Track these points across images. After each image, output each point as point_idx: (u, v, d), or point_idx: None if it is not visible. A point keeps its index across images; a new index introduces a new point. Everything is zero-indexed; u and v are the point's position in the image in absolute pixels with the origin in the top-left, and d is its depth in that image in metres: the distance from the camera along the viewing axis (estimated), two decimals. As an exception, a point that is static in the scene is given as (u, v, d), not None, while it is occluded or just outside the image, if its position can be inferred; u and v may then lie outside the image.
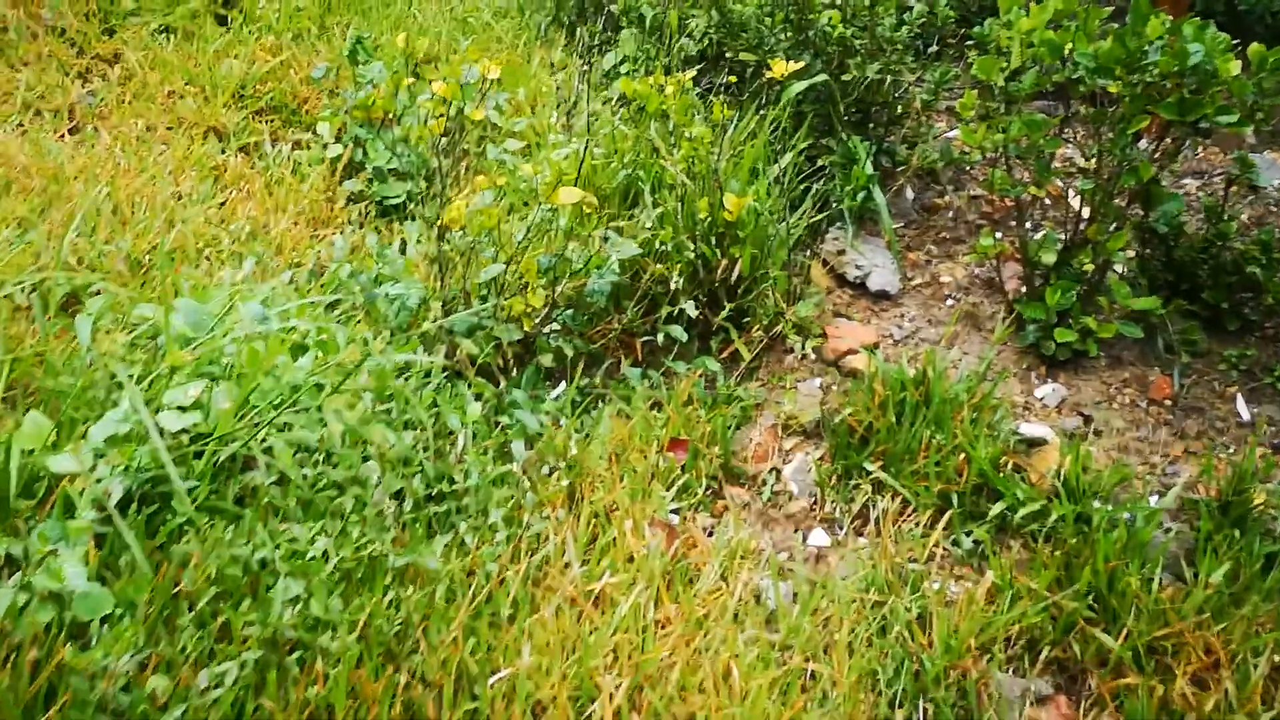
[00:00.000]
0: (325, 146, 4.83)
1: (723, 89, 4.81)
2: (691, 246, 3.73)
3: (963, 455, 3.19)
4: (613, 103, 5.11)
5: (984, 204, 4.49)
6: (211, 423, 2.69)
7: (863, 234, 4.27)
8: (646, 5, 5.27)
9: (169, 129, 4.67)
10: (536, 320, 3.62)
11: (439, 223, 3.68)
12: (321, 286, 3.70)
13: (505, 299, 3.56)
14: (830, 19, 4.01)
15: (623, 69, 5.49)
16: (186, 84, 4.96)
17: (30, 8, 5.14)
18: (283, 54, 5.41)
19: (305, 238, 4.26)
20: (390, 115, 5.02)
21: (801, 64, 3.63)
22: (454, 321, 3.44)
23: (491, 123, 5.08)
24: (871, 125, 4.38)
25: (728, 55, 4.62)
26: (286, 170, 4.64)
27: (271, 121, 4.99)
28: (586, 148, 4.08)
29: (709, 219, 3.74)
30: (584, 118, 4.54)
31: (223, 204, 4.29)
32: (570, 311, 3.76)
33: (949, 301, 4.07)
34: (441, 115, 3.75)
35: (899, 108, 4.41)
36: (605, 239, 3.63)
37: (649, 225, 3.84)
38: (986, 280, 4.13)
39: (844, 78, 4.12)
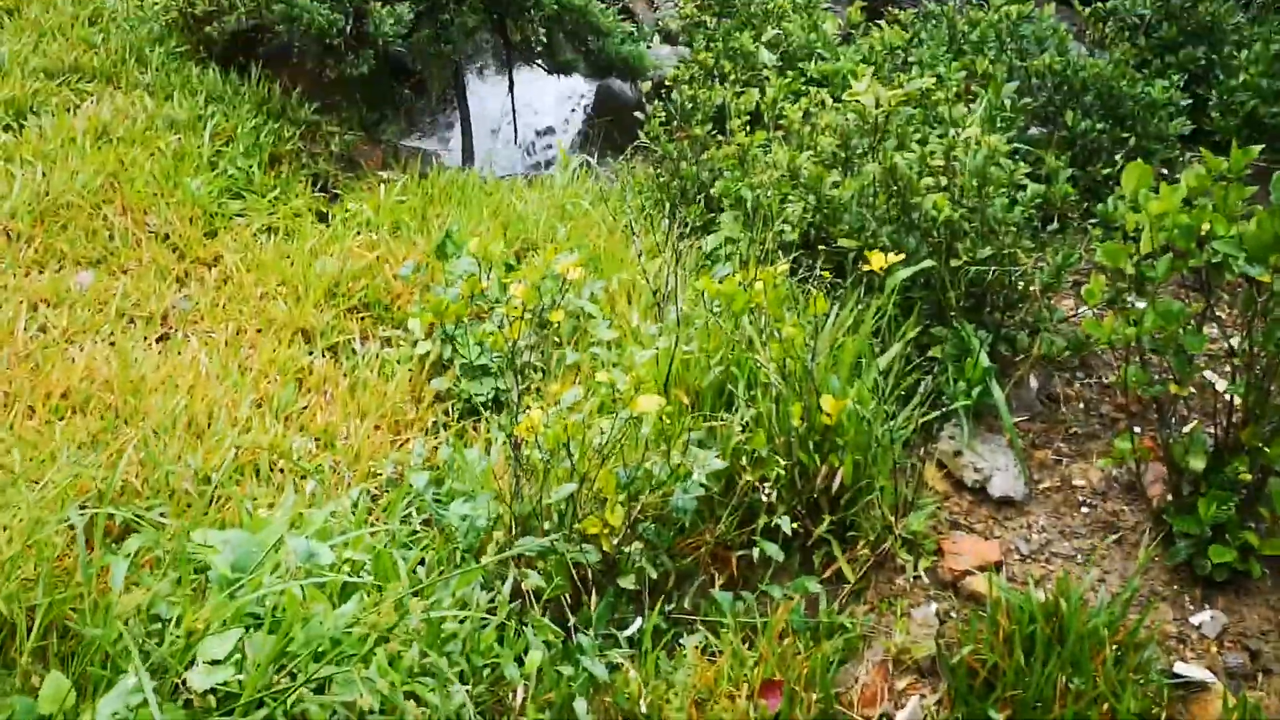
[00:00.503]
0: (415, 344, 4.73)
1: (822, 276, 4.58)
2: (785, 455, 3.42)
3: (1106, 705, 2.74)
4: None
5: (1119, 393, 4.07)
6: (246, 677, 2.46)
7: (981, 431, 3.90)
8: (746, 188, 5.11)
9: (259, 331, 4.64)
10: (616, 539, 3.33)
11: (511, 434, 3.47)
12: (385, 507, 3.49)
13: (580, 518, 3.29)
14: (935, 202, 3.75)
15: (722, 252, 5.32)
16: (280, 284, 4.97)
17: (136, 215, 5.28)
18: (379, 249, 5.41)
19: (386, 443, 4.11)
20: (483, 308, 4.94)
21: (902, 254, 3.35)
22: (523, 546, 3.18)
23: (586, 313, 4.94)
24: (987, 311, 4.05)
25: (826, 241, 4.38)
26: (373, 370, 4.54)
27: (363, 319, 4.94)
28: (675, 345, 3.86)
29: (805, 424, 3.44)
30: (676, 309, 4.33)
31: (305, 408, 4.19)
32: (654, 525, 3.47)
33: (1084, 509, 3.63)
34: (518, 318, 3.58)
35: (1017, 291, 4.07)
36: (690, 448, 3.35)
37: (741, 429, 3.56)
38: (1126, 485, 3.69)
39: (953, 263, 3.82)
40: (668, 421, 3.86)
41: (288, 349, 4.50)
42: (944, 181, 3.83)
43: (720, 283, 3.40)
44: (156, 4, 7.63)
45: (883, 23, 8.10)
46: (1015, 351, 4.09)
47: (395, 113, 8.10)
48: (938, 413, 3.81)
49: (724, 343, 3.96)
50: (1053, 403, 4.14)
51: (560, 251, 5.48)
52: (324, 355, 4.62)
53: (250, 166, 6.28)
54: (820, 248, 4.44)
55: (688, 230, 5.95)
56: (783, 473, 3.42)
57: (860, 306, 3.99)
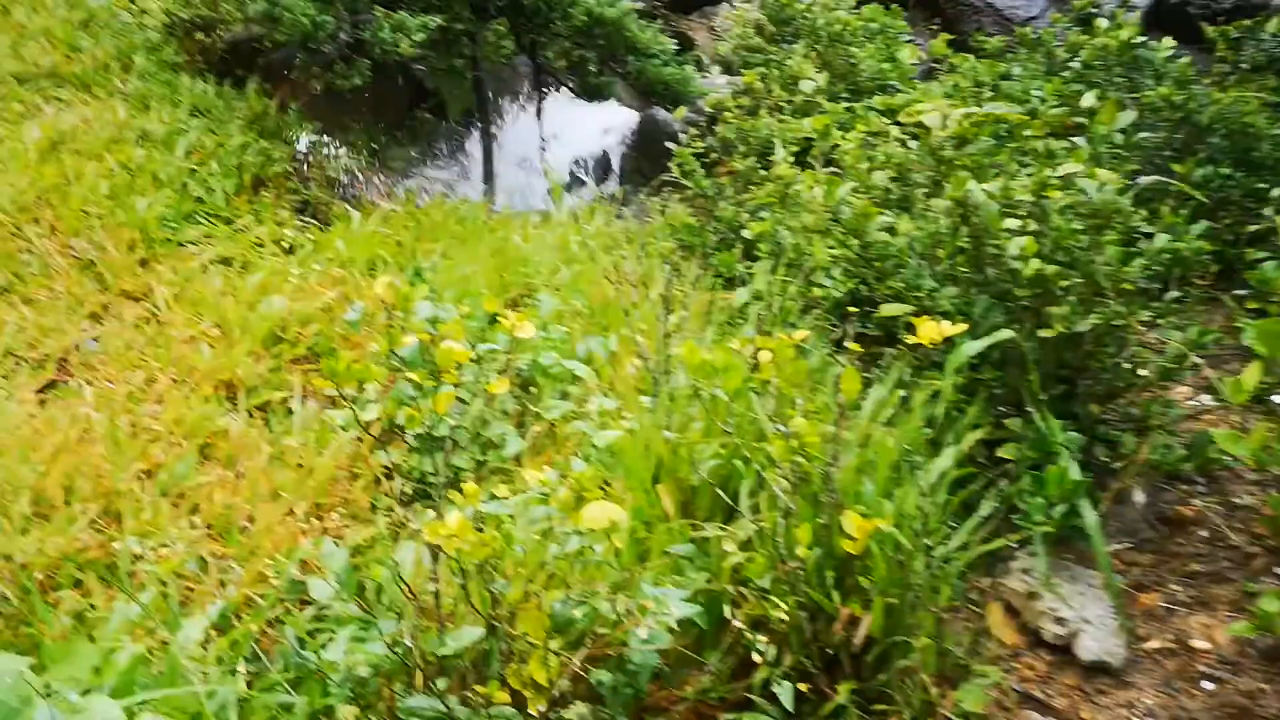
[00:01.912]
0: (365, 405, 3.94)
1: (853, 347, 3.72)
2: (791, 589, 2.55)
3: None
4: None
5: (1255, 519, 3.12)
6: None
7: (1067, 565, 2.98)
8: (784, 230, 4.27)
9: (174, 382, 3.89)
10: (547, 700, 2.47)
11: (427, 541, 2.65)
12: (241, 636, 2.67)
13: (499, 670, 2.44)
14: (1022, 249, 2.85)
15: (751, 310, 4.47)
16: (214, 325, 4.22)
17: (64, 238, 4.60)
18: (343, 286, 4.66)
19: (296, 535, 3.30)
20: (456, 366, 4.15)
21: (964, 324, 2.45)
22: (410, 709, 2.34)
23: (583, 379, 4.12)
24: (1080, 400, 3.14)
25: (873, 299, 3.52)
26: (307, 438, 3.76)
27: (308, 371, 4.17)
28: (660, 425, 3.02)
29: (822, 550, 2.57)
30: (670, 377, 3.49)
31: (204, 484, 3.41)
32: (611, 677, 2.60)
33: (1207, 685, 2.69)
34: (450, 380, 2.77)
35: (1123, 375, 3.16)
36: (652, 583, 2.49)
37: (738, 546, 2.70)
38: (1269, 652, 2.74)
39: (1041, 334, 2.91)
40: (644, 533, 3.02)
41: (202, 406, 3.74)
42: (1031, 225, 2.94)
43: (710, 352, 2.55)
44: (153, 10, 7.07)
45: (970, 57, 7.26)
46: (1116, 457, 3.16)
47: (411, 138, 7.43)
48: (1008, 541, 2.89)
49: (734, 424, 3.11)
50: (1166, 526, 3.20)
51: (562, 299, 4.68)
52: (250, 415, 3.85)
53: (226, 188, 5.60)
54: (867, 308, 3.57)
55: (719, 281, 5.12)
56: (785, 616, 2.54)
57: (908, 387, 3.11)
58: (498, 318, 4.45)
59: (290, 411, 3.94)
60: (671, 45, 6.55)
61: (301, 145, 6.47)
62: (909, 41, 7.46)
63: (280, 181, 6.10)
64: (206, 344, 4.09)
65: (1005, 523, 3.00)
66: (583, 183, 7.71)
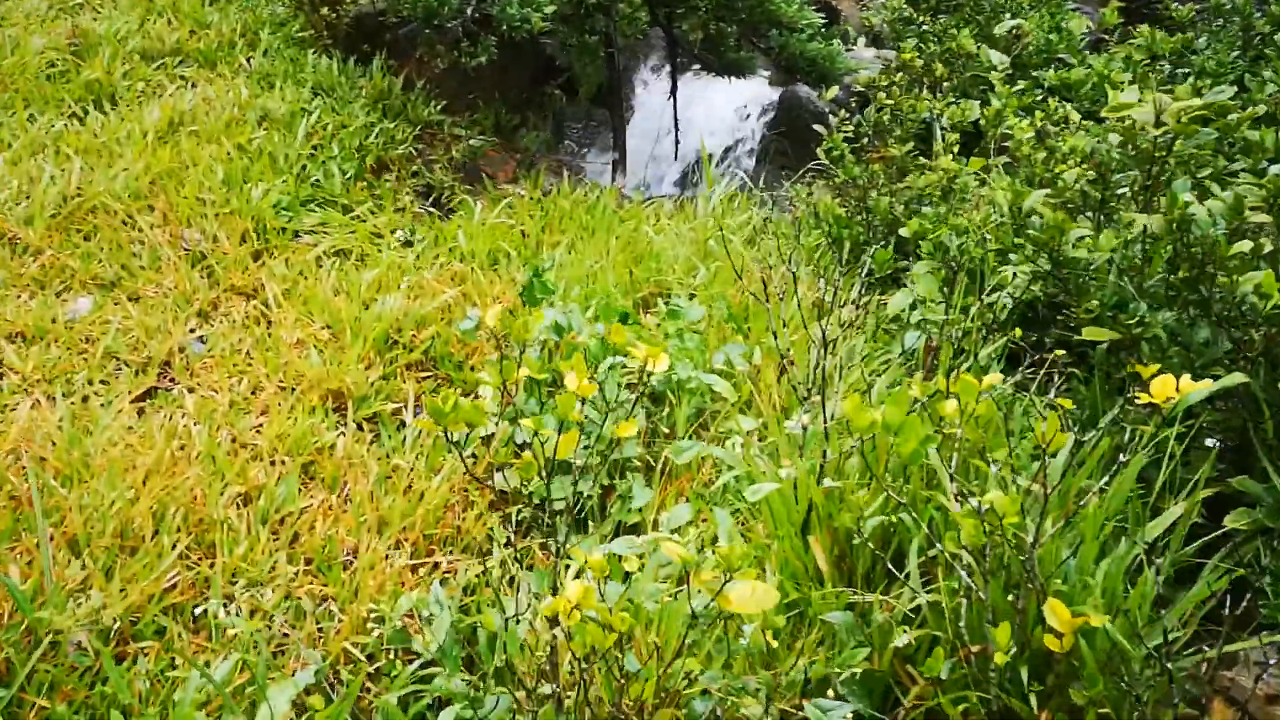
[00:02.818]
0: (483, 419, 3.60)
1: (1056, 374, 3.22)
2: (978, 686, 2.11)
3: None
4: (888, 372, 3.61)
5: None
6: None
7: (1312, 659, 2.45)
8: (949, 232, 3.77)
9: (281, 389, 3.62)
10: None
11: (545, 608, 2.29)
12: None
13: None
14: (1259, 284, 2.33)
15: (910, 318, 3.98)
16: (324, 327, 3.94)
17: (176, 227, 4.37)
18: (464, 284, 4.33)
19: (404, 572, 2.99)
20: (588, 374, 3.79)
21: (1206, 383, 1.95)
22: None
23: (721, 395, 3.71)
24: (1324, 454, 2.60)
25: (1063, 319, 3.01)
26: (419, 455, 3.44)
27: (424, 379, 3.86)
28: (814, 475, 2.60)
29: (1017, 641, 2.12)
30: (829, 407, 3.05)
31: (305, 511, 3.12)
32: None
33: None
34: (571, 426, 2.39)
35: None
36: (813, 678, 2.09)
37: (910, 616, 2.27)
38: None
39: (1281, 385, 2.39)
40: (792, 590, 2.61)
41: (308, 419, 3.45)
42: (1266, 246, 2.41)
43: (882, 403, 2.10)
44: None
45: (1145, 27, 6.58)
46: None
47: (540, 117, 7.07)
48: (1257, 643, 2.39)
49: (888, 482, 2.67)
50: None
51: (695, 301, 4.28)
52: (359, 428, 3.55)
53: (346, 172, 5.34)
54: (1055, 330, 3.07)
55: (872, 281, 4.64)
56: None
57: (1114, 434, 2.61)
58: (629, 317, 4.11)
59: (402, 424, 3.63)
60: (818, 19, 6.05)
61: (427, 124, 6.19)
62: (1074, 10, 6.81)
63: (403, 164, 5.83)
64: (316, 348, 3.80)
65: (1240, 613, 2.49)
66: (718, 165, 7.25)
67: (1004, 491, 2.33)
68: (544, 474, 2.36)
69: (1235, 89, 4.64)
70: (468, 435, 2.87)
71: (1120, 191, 2.90)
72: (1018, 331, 2.84)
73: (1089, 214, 2.93)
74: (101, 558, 2.72)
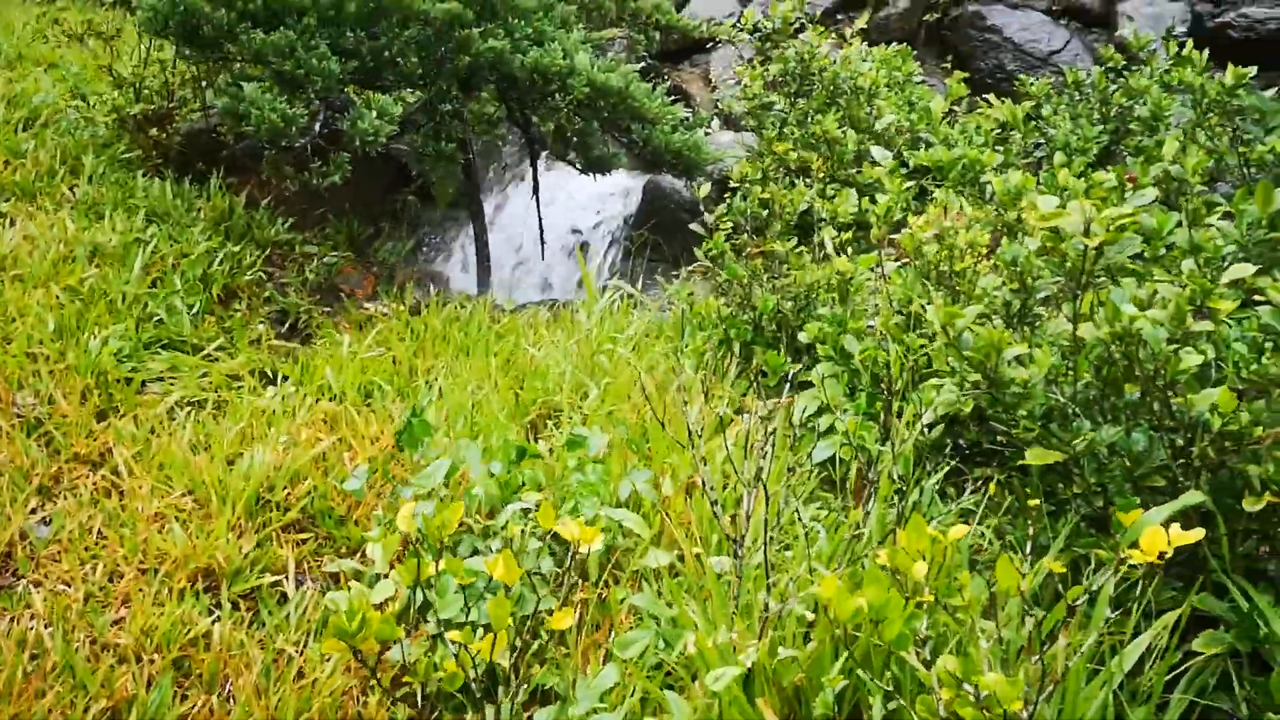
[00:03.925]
0: (375, 581, 3.33)
1: (972, 463, 3.14)
2: None
3: None
4: (815, 494, 3.48)
5: None
6: None
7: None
8: (850, 338, 3.70)
9: (142, 573, 3.28)
10: None
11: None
12: None
13: None
14: (1216, 404, 2.27)
15: (822, 422, 3.88)
16: (186, 494, 3.61)
17: (3, 390, 3.98)
18: (339, 429, 4.06)
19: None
20: (473, 521, 3.56)
21: (1184, 536, 1.86)
22: None
23: (632, 531, 3.51)
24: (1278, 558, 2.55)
25: (989, 430, 2.94)
26: (304, 634, 3.15)
27: (303, 543, 3.56)
28: (761, 650, 2.43)
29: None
30: (761, 548, 2.89)
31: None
32: None
33: None
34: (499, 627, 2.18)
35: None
36: None
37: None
38: None
39: (1247, 505, 2.32)
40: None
41: (176, 606, 3.12)
42: (1208, 353, 2.38)
43: (829, 574, 1.95)
44: (103, 103, 6.50)
45: (991, 97, 6.76)
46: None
47: (396, 226, 6.86)
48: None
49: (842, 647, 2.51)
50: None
51: (590, 424, 4.09)
52: (235, 608, 3.23)
53: (192, 306, 5.02)
54: (981, 440, 2.99)
55: (765, 382, 4.54)
56: None
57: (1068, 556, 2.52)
58: (526, 453, 3.89)
59: (283, 598, 3.32)
60: (681, 112, 6.01)
61: (276, 244, 5.90)
62: (921, 83, 6.97)
63: (253, 290, 5.53)
64: (178, 519, 3.47)
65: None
66: (584, 260, 7.13)
67: (973, 642, 2.21)
68: (472, 682, 2.12)
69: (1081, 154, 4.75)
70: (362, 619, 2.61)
71: (1040, 297, 2.86)
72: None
73: (1015, 327, 2.87)
74: (-56, 818, 2.36)
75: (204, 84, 6.47)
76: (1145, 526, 2.06)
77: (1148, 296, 2.44)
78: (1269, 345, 2.35)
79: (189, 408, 4.21)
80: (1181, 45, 4.78)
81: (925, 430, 2.92)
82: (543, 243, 6.71)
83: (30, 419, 3.90)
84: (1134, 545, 1.86)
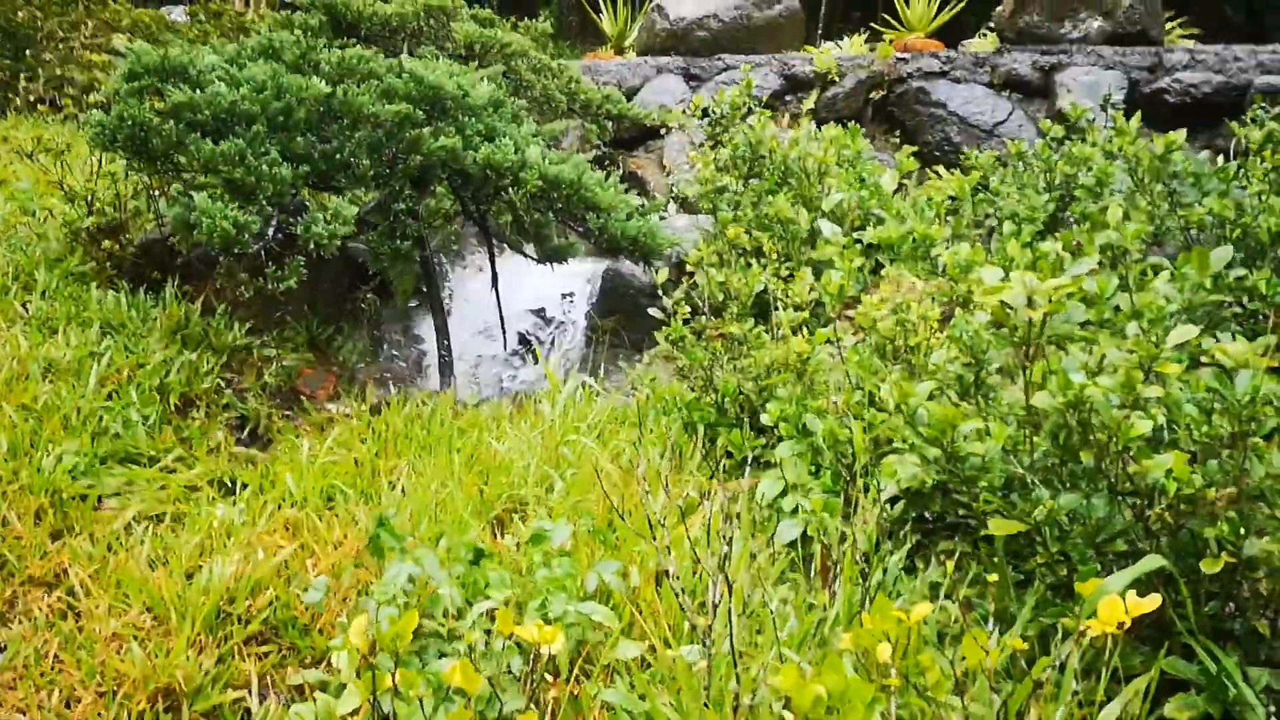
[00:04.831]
0: (340, 691, 3.27)
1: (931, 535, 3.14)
2: None
3: None
4: (784, 575, 3.47)
5: None
6: None
7: None
8: (811, 416, 3.72)
9: (100, 696, 3.21)
10: None
11: None
12: None
13: None
14: (1170, 469, 2.30)
15: (786, 502, 3.89)
16: (145, 611, 3.55)
17: (-45, 519, 3.93)
18: (300, 535, 4.02)
19: None
20: (438, 627, 3.52)
21: (1150, 602, 1.88)
22: None
23: (601, 624, 3.47)
24: (1243, 616, 2.56)
25: (951, 502, 2.95)
26: (273, 749, 3.08)
27: (265, 655, 3.50)
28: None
29: None
30: (726, 637, 2.87)
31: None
32: None
33: None
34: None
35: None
36: None
37: None
38: None
39: (1205, 567, 2.33)
40: None
41: (137, 731, 3.06)
42: (1159, 417, 2.41)
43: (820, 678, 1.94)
44: (55, 218, 6.52)
45: (940, 168, 6.91)
46: (1298, 683, 2.57)
47: (355, 325, 6.86)
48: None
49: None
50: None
51: (555, 516, 4.08)
52: (197, 729, 3.17)
53: (148, 417, 4.98)
54: (945, 513, 3.00)
55: (729, 463, 4.55)
56: None
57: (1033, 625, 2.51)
58: (483, 555, 3.86)
59: (247, 714, 3.26)
60: (635, 200, 6.09)
61: (233, 349, 5.89)
62: (871, 159, 7.11)
63: (211, 397, 5.50)
64: (136, 638, 3.41)
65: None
66: (548, 351, 7.15)
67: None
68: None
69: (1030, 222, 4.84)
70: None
71: (993, 369, 2.90)
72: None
73: (969, 398, 2.91)
74: None
75: (156, 194, 6.51)
76: (1105, 595, 2.07)
77: (1096, 363, 2.48)
78: (1217, 406, 2.39)
79: (147, 522, 4.15)
80: (1127, 113, 4.92)
81: (888, 506, 2.92)
82: (504, 333, 6.73)
83: (-18, 543, 3.84)
84: (1093, 615, 1.87)
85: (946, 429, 2.54)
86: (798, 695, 1.85)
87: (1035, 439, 2.62)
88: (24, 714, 3.12)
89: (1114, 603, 1.77)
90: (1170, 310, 2.79)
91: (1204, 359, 2.44)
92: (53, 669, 3.31)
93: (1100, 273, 2.99)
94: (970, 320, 2.87)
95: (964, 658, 1.97)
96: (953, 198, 6.09)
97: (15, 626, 3.50)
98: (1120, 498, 2.50)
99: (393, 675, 2.22)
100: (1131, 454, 2.34)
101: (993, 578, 2.38)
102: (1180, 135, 4.12)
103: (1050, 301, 2.39)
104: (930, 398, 2.80)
